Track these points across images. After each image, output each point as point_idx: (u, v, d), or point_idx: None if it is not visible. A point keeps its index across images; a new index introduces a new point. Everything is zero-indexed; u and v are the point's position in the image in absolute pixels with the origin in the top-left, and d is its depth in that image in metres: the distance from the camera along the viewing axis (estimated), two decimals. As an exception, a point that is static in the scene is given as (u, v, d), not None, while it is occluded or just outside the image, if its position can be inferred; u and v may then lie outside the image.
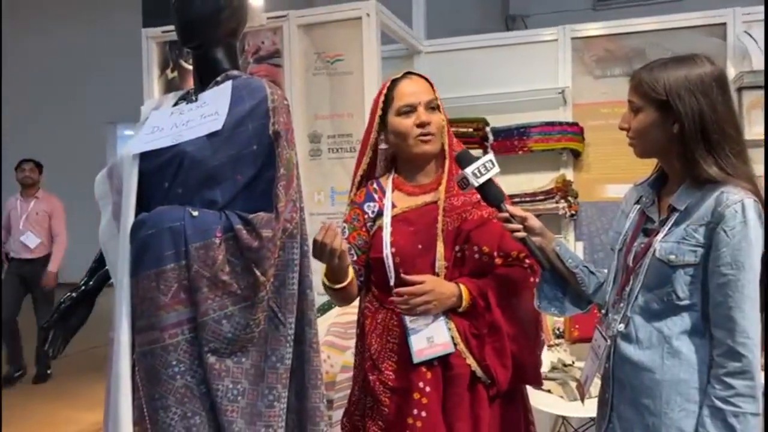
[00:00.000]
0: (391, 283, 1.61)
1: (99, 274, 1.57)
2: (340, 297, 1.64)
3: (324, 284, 1.59)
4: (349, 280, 1.57)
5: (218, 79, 1.52)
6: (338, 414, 2.03)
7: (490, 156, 1.54)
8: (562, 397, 2.34)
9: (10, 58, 11.38)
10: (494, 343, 1.59)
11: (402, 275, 1.58)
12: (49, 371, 5.23)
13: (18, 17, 11.23)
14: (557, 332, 2.84)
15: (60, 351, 1.55)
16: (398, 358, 1.60)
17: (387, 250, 1.61)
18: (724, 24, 3.20)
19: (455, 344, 1.58)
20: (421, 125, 1.62)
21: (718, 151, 1.29)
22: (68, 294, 1.55)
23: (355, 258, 1.68)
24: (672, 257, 1.30)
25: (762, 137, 2.66)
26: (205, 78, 1.54)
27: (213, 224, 1.36)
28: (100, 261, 1.57)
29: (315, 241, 1.44)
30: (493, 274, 1.62)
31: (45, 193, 5.72)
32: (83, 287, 1.56)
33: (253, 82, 1.49)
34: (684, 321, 1.32)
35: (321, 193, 3.20)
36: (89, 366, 4.94)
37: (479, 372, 1.58)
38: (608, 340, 1.41)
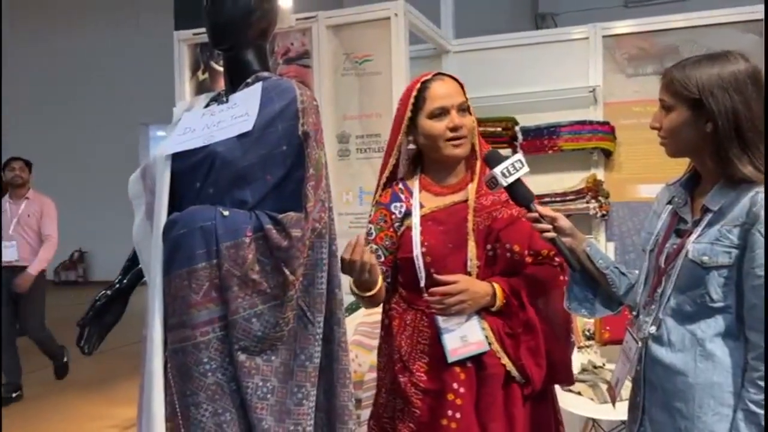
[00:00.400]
0: (422, 283, 1.60)
1: (132, 272, 1.60)
2: (369, 302, 1.64)
3: (353, 291, 1.59)
4: (378, 287, 1.56)
5: (248, 80, 1.53)
6: (366, 413, 2.03)
7: (519, 156, 1.53)
8: (592, 399, 2.31)
9: (45, 60, 11.68)
10: (529, 342, 1.59)
11: (434, 275, 1.58)
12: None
13: (53, 20, 11.52)
14: (588, 334, 2.81)
15: (95, 347, 1.59)
16: (430, 359, 1.60)
17: (417, 250, 1.61)
18: (761, 20, 3.12)
19: (489, 343, 1.57)
20: (453, 129, 1.62)
21: (752, 150, 1.26)
22: (103, 292, 1.59)
23: (382, 259, 1.67)
24: (705, 258, 1.28)
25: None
26: (236, 79, 1.56)
27: (243, 224, 1.38)
28: (133, 259, 1.60)
29: (343, 259, 1.43)
30: (524, 272, 1.61)
31: (35, 192, 5.13)
32: (117, 285, 1.60)
33: (282, 83, 1.51)
34: (718, 323, 1.29)
35: (349, 192, 3.21)
36: (123, 362, 5.03)
37: (514, 371, 1.57)
38: (639, 343, 1.39)
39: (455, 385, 1.56)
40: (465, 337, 1.56)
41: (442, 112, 1.63)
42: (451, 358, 1.55)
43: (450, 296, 1.54)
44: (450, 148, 1.63)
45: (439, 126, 1.63)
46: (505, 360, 1.57)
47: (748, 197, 1.25)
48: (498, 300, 1.57)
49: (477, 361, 1.57)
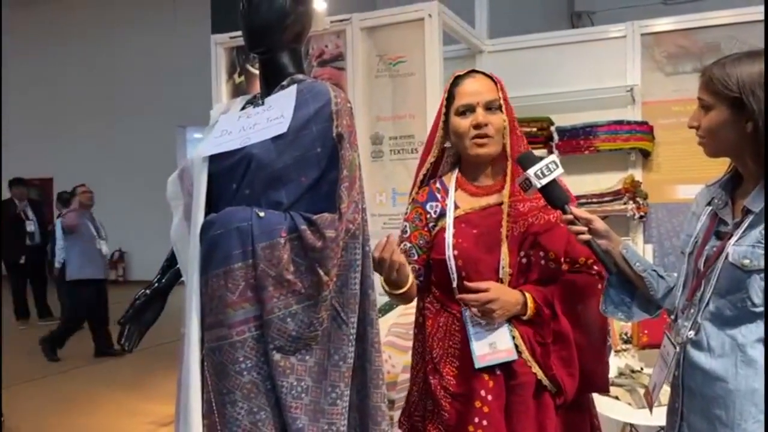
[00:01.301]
0: (454, 285, 1.60)
1: (171, 272, 1.63)
2: (400, 299, 1.66)
3: (384, 289, 1.60)
4: (408, 285, 1.57)
5: (284, 83, 1.55)
6: (399, 414, 2.04)
7: (554, 157, 1.51)
8: (629, 404, 2.27)
9: (86, 63, 11.98)
10: (560, 351, 1.56)
11: (465, 282, 1.57)
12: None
13: (94, 25, 11.81)
14: (625, 337, 2.77)
15: (135, 345, 1.62)
16: (459, 363, 1.59)
17: (449, 252, 1.60)
18: (806, 15, 3.03)
19: (519, 352, 1.55)
20: (477, 126, 1.60)
21: None
22: (142, 291, 1.62)
23: (415, 257, 1.67)
24: (746, 262, 1.24)
25: None
26: (271, 82, 1.58)
27: (278, 224, 1.40)
28: (171, 259, 1.63)
29: (372, 257, 1.45)
30: (560, 280, 1.59)
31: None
32: (156, 284, 1.63)
33: (317, 85, 1.52)
34: (759, 328, 1.25)
35: (383, 194, 3.22)
36: (162, 360, 5.14)
37: (545, 381, 1.55)
38: (677, 347, 1.36)
39: (483, 392, 1.54)
40: (494, 344, 1.55)
41: (467, 110, 1.62)
42: (478, 364, 1.54)
43: (480, 303, 1.53)
44: (474, 147, 1.62)
45: (463, 123, 1.62)
46: (536, 369, 1.55)
47: None
48: (529, 309, 1.55)
49: (507, 369, 1.55)
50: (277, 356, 1.36)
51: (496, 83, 1.66)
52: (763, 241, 1.24)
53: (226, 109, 1.66)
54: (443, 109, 1.67)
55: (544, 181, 1.47)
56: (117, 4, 11.54)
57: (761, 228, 1.25)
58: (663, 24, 3.36)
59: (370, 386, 1.44)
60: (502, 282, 1.58)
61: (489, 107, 1.62)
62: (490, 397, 1.54)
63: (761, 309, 1.25)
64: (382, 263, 1.46)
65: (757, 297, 1.25)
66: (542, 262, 1.59)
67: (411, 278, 1.58)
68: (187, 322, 1.42)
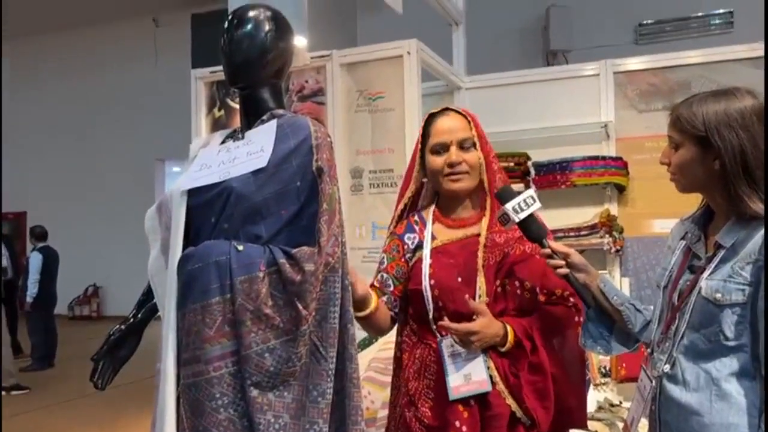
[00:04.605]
0: (430, 315, 1.60)
1: (147, 306, 1.61)
2: (368, 325, 1.66)
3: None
4: (370, 309, 1.59)
5: (264, 117, 1.56)
6: (378, 451, 2.01)
7: (531, 191, 1.53)
8: (609, 438, 2.27)
9: (64, 96, 11.94)
10: (537, 383, 1.56)
11: (470, 301, 1.56)
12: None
13: (73, 57, 11.81)
14: (604, 371, 2.77)
15: (109, 381, 1.59)
16: (435, 395, 1.58)
17: (426, 282, 1.61)
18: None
19: (494, 383, 1.55)
20: (451, 165, 1.63)
21: (761, 187, 1.25)
22: (117, 326, 1.59)
23: (392, 288, 1.69)
24: (718, 296, 1.26)
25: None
26: (252, 116, 1.59)
27: (257, 258, 1.39)
28: (148, 294, 1.61)
29: None
30: (538, 313, 1.60)
31: None
32: (131, 320, 1.60)
33: (297, 120, 1.53)
34: (733, 362, 1.26)
35: (362, 227, 3.22)
36: (136, 398, 5.02)
37: (519, 413, 1.55)
38: (653, 381, 1.37)
39: (457, 423, 1.53)
40: (469, 375, 1.55)
41: (441, 148, 1.65)
42: (453, 396, 1.54)
43: (461, 333, 1.53)
44: (448, 182, 1.65)
45: (438, 161, 1.65)
46: (510, 401, 1.55)
47: (760, 234, 1.24)
48: (508, 342, 1.56)
49: (482, 400, 1.55)
50: (254, 392, 1.34)
51: (469, 121, 1.68)
52: (735, 276, 1.26)
53: (205, 143, 1.66)
54: (419, 146, 1.71)
55: (522, 215, 1.49)
56: (97, 37, 11.57)
57: (733, 263, 1.27)
58: (635, 63, 3.47)
59: (349, 423, 1.42)
60: None
61: (462, 145, 1.65)
62: (464, 429, 1.53)
63: (734, 343, 1.26)
64: None
65: (730, 331, 1.26)
66: (518, 291, 1.60)
67: (372, 304, 1.60)
68: (163, 357, 1.40)
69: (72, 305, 11.64)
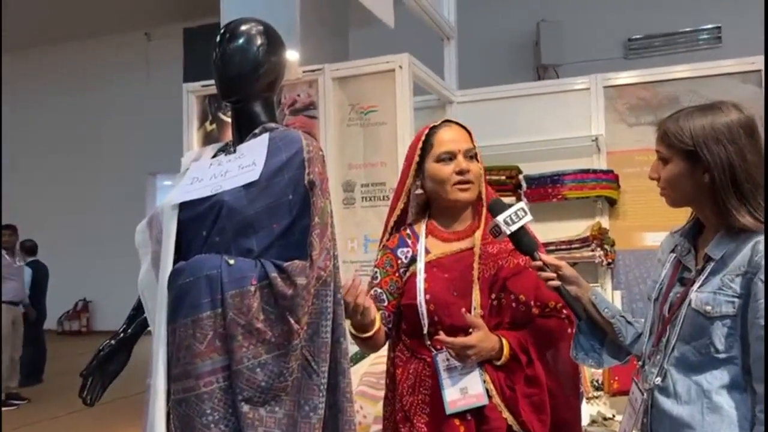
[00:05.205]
0: (425, 331, 1.59)
1: (137, 321, 1.60)
2: (365, 345, 1.65)
3: (350, 333, 1.59)
4: (375, 329, 1.58)
5: (256, 131, 1.56)
6: (371, 466, 1.99)
7: (522, 204, 1.53)
8: (602, 452, 2.26)
9: (56, 108, 11.91)
10: (533, 396, 1.55)
11: (466, 315, 1.56)
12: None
13: (64, 69, 11.78)
14: (596, 384, 2.77)
15: (98, 397, 1.57)
16: (431, 410, 1.58)
17: (421, 297, 1.60)
18: (759, 71, 3.18)
19: (490, 396, 1.55)
20: (460, 173, 1.63)
21: (750, 200, 1.26)
22: (107, 341, 1.58)
23: (386, 303, 1.67)
24: (708, 308, 1.27)
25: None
26: (244, 130, 1.59)
27: (249, 272, 1.38)
28: (138, 308, 1.60)
29: (346, 302, 1.46)
30: (533, 326, 1.59)
31: None
32: (122, 334, 1.59)
33: (289, 133, 1.53)
34: (724, 375, 1.27)
35: (354, 241, 3.21)
36: (125, 414, 4.96)
37: (516, 426, 1.54)
38: (644, 394, 1.37)
39: None
40: (465, 389, 1.54)
41: (449, 157, 1.65)
42: (449, 410, 1.53)
43: (455, 347, 1.52)
44: (456, 192, 1.64)
45: (446, 170, 1.65)
46: (506, 414, 1.54)
47: (749, 246, 1.25)
48: (504, 357, 1.55)
49: (478, 414, 1.54)
50: (245, 408, 1.33)
51: (470, 133, 1.71)
52: (724, 289, 1.26)
53: (197, 157, 1.66)
54: (417, 158, 1.70)
55: (513, 228, 1.49)
56: (89, 50, 11.56)
57: (722, 275, 1.28)
58: (625, 77, 3.50)
59: (341, 438, 1.41)
60: None
61: (467, 155, 1.66)
62: None
63: (725, 355, 1.27)
64: (346, 306, 1.47)
65: (720, 344, 1.26)
66: (513, 305, 1.60)
67: (377, 324, 1.59)
68: (153, 373, 1.39)
69: (61, 320, 11.53)
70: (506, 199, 1.72)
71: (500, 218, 1.49)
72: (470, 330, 1.54)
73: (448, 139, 1.67)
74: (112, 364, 1.57)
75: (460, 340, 1.52)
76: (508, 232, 1.49)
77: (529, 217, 1.51)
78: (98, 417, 5.31)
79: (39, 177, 12.05)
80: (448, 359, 1.56)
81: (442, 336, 1.54)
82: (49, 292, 7.54)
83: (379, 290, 1.68)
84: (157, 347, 1.39)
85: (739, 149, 1.27)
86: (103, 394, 1.58)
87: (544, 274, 1.48)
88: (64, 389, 5.77)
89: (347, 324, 1.54)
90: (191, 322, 1.36)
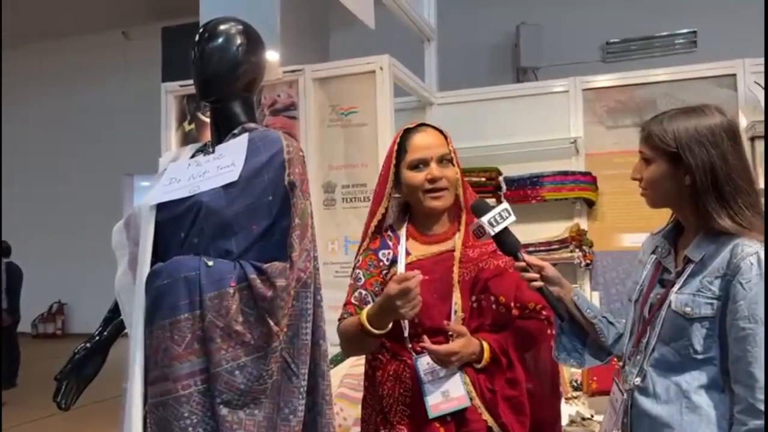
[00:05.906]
0: (405, 333, 1.59)
1: (113, 323, 1.58)
2: (374, 345, 1.60)
3: (366, 330, 1.51)
4: (389, 326, 1.52)
5: (235, 131, 1.55)
6: (351, 469, 1.98)
7: (506, 205, 1.53)
8: (581, 452, 2.27)
9: (31, 109, 11.72)
10: (512, 398, 1.56)
11: (450, 325, 1.54)
12: None
13: (41, 69, 11.60)
14: (575, 384, 2.78)
15: (73, 402, 1.54)
16: (411, 412, 1.57)
17: None
18: (734, 75, 3.23)
19: (470, 399, 1.55)
20: (432, 180, 1.62)
21: (731, 204, 1.28)
22: (83, 344, 1.55)
23: (371, 304, 1.66)
24: (688, 309, 1.28)
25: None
26: (223, 130, 1.57)
27: (227, 274, 1.37)
28: (114, 311, 1.58)
29: (407, 289, 1.40)
30: (512, 328, 1.60)
31: None
32: (97, 337, 1.57)
33: (269, 134, 1.52)
34: (702, 375, 1.28)
35: (335, 242, 3.20)
36: (101, 418, 4.88)
37: (495, 428, 1.54)
38: (625, 394, 1.38)
39: None
40: (447, 393, 1.54)
41: (420, 164, 1.63)
42: (432, 414, 1.52)
43: (440, 354, 1.52)
44: (429, 200, 1.63)
45: (418, 177, 1.63)
46: (486, 416, 1.54)
47: (728, 249, 1.27)
48: (484, 360, 1.55)
49: (458, 416, 1.54)
50: (224, 411, 1.31)
51: (446, 137, 1.69)
52: (704, 290, 1.28)
53: (175, 157, 1.64)
54: (393, 161, 1.69)
55: (497, 229, 1.49)
56: (66, 49, 11.39)
57: (701, 277, 1.29)
58: (603, 80, 3.54)
59: (321, 440, 1.41)
60: None
61: (441, 161, 1.64)
62: None
63: (703, 356, 1.28)
64: (406, 294, 1.40)
65: (699, 345, 1.28)
66: (493, 306, 1.60)
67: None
68: (130, 376, 1.37)
69: (36, 323, 11.34)
70: (487, 201, 1.71)
71: (484, 219, 1.49)
72: (450, 334, 1.54)
73: (421, 145, 1.65)
74: (87, 367, 1.55)
75: (445, 347, 1.52)
76: (493, 233, 1.49)
77: (513, 218, 1.51)
78: (73, 421, 5.22)
79: (14, 177, 11.84)
80: (429, 363, 1.56)
81: (426, 343, 1.53)
82: (23, 294, 7.40)
83: (364, 292, 1.66)
84: (134, 350, 1.37)
85: (722, 153, 1.29)
86: (78, 398, 1.56)
87: (527, 275, 1.48)
88: (39, 393, 5.66)
89: (364, 318, 1.49)
90: (169, 324, 1.34)
